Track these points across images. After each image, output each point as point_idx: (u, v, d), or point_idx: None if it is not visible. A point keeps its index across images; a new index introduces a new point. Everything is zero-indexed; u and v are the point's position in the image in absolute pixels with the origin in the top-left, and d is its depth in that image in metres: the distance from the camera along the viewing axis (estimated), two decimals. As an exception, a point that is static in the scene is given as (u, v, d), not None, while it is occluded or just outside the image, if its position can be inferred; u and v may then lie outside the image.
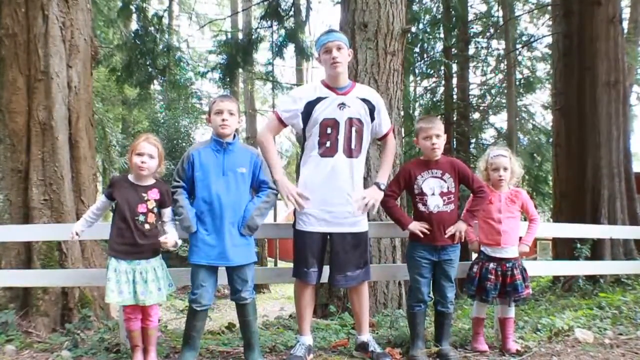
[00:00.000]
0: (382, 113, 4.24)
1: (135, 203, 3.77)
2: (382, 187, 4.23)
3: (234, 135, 4.00)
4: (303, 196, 4.02)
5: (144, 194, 3.81)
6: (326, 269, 4.18)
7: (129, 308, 3.78)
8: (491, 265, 4.29)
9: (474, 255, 4.54)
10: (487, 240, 4.34)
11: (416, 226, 4.16)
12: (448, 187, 4.19)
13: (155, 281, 3.77)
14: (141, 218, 3.76)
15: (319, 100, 4.09)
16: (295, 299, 4.24)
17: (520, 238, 4.44)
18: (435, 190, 4.18)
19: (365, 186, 4.34)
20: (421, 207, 4.19)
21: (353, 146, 4.08)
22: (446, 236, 4.15)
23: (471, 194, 4.33)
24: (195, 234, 3.86)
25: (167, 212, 3.91)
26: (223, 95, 4.12)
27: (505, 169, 4.35)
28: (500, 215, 4.31)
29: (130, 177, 3.88)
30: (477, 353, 4.34)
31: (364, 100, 4.15)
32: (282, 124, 4.24)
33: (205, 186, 3.86)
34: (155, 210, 3.84)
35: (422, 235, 4.12)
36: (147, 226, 3.78)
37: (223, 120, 3.88)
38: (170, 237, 3.81)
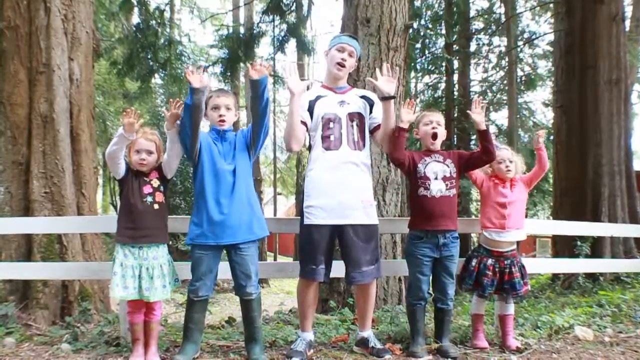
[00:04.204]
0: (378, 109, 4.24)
1: (140, 186, 3.79)
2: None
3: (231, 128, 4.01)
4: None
5: (146, 178, 3.83)
6: (335, 266, 4.15)
7: (133, 302, 3.78)
8: (489, 261, 4.30)
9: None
10: (492, 224, 4.34)
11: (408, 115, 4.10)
12: (450, 172, 4.19)
13: (161, 277, 3.76)
14: (149, 199, 3.77)
15: (318, 98, 4.15)
16: (298, 296, 4.18)
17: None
18: (438, 174, 4.17)
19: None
20: (423, 192, 4.16)
21: (356, 139, 4.10)
22: (473, 116, 4.13)
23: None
24: (197, 213, 3.83)
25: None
26: (219, 89, 4.10)
27: (510, 160, 4.38)
28: (505, 199, 4.34)
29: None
30: (477, 350, 4.33)
31: (363, 97, 4.22)
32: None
33: (209, 165, 3.84)
34: (162, 188, 3.86)
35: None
36: (156, 206, 3.79)
37: (220, 115, 3.89)
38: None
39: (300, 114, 4.07)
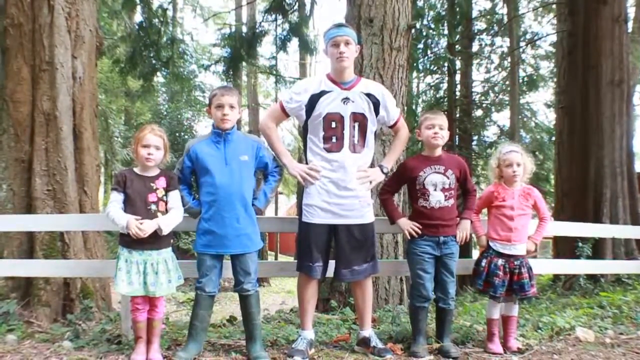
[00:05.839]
0: (388, 104, 4.23)
1: (145, 193, 3.79)
2: (385, 170, 4.31)
3: (234, 126, 4.04)
4: (313, 169, 4.08)
5: (152, 184, 3.82)
6: (332, 263, 4.18)
7: (139, 299, 3.79)
8: (500, 261, 4.27)
9: (474, 253, 4.53)
10: (498, 236, 4.31)
11: (406, 223, 4.24)
12: (450, 184, 4.21)
13: (166, 273, 3.79)
14: (153, 207, 3.78)
15: (323, 93, 4.11)
16: (298, 293, 4.24)
17: (529, 237, 4.44)
18: (437, 185, 4.19)
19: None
20: (422, 203, 4.20)
21: (356, 141, 4.10)
22: (459, 242, 4.25)
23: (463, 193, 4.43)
24: (200, 224, 3.93)
25: (172, 195, 3.90)
26: (223, 87, 4.11)
27: (518, 164, 4.34)
28: (512, 212, 4.30)
29: (136, 169, 3.88)
30: (479, 350, 4.33)
31: (368, 95, 4.15)
32: (285, 114, 4.29)
33: (209, 178, 3.90)
34: (165, 198, 3.87)
35: (412, 236, 4.20)
36: (159, 215, 3.80)
37: (224, 114, 3.91)
38: (147, 224, 3.70)
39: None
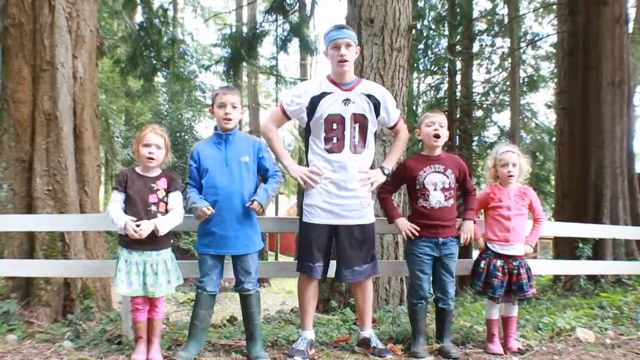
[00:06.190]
0: (388, 106, 4.23)
1: (146, 194, 3.78)
2: (386, 171, 4.30)
3: (235, 126, 4.06)
4: (314, 172, 4.08)
5: (153, 185, 3.82)
6: (332, 264, 4.18)
7: (139, 299, 3.78)
8: (498, 262, 4.27)
9: (474, 253, 4.53)
10: (496, 237, 4.31)
11: (405, 224, 4.23)
12: (450, 183, 4.20)
13: (166, 273, 3.78)
14: (153, 208, 3.78)
15: (323, 95, 4.11)
16: (298, 293, 4.23)
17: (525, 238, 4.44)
18: (437, 185, 4.18)
19: None
20: (422, 203, 4.19)
21: (357, 142, 4.10)
22: (464, 243, 4.26)
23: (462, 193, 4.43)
24: (202, 224, 3.93)
25: (172, 196, 3.89)
26: (226, 87, 4.14)
27: (514, 164, 4.34)
28: (509, 212, 4.30)
29: (138, 169, 3.89)
30: (479, 351, 4.33)
31: (368, 96, 4.15)
32: (286, 117, 4.30)
33: (210, 179, 3.91)
34: (166, 199, 3.86)
35: (410, 237, 4.20)
36: (159, 216, 3.79)
37: (226, 113, 3.92)
38: (144, 225, 3.68)
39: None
